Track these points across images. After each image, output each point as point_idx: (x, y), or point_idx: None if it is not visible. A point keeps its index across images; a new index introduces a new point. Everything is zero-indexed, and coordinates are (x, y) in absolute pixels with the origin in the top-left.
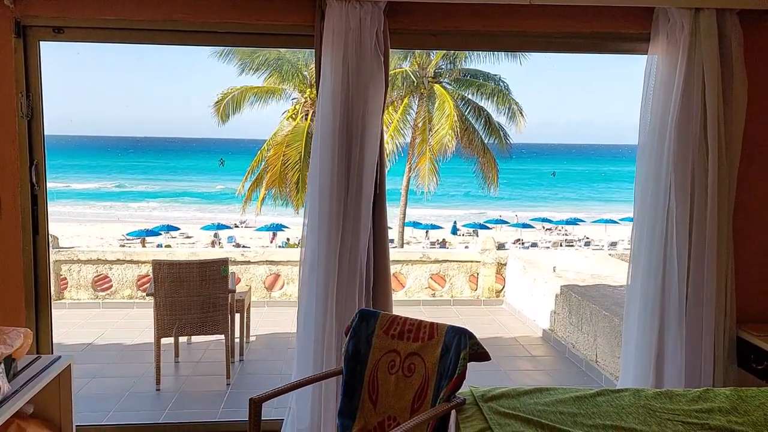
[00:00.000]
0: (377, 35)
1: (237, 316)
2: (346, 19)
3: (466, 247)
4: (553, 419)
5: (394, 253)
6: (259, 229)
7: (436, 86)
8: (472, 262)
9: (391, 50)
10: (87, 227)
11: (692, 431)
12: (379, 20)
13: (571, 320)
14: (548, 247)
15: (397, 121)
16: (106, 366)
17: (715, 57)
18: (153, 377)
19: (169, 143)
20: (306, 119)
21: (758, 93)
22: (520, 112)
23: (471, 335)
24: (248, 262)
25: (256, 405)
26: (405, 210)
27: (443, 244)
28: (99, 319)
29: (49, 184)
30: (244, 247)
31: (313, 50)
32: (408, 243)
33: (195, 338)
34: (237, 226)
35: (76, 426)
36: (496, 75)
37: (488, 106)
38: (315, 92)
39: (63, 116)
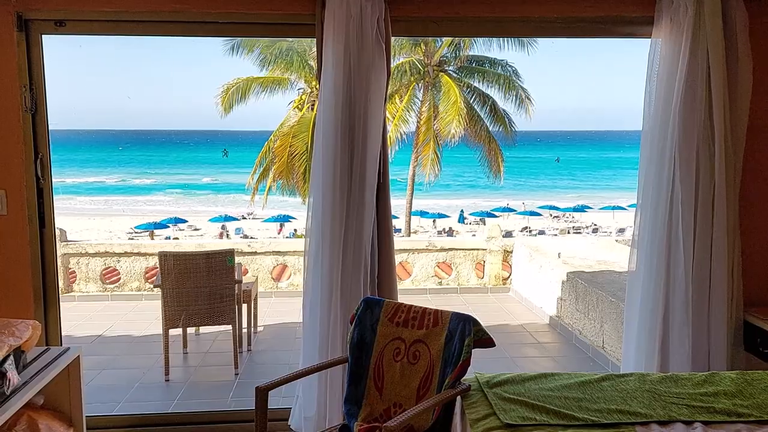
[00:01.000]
0: (378, 23)
1: (244, 306)
2: (346, 8)
3: (473, 235)
4: (558, 404)
5: (400, 242)
6: (266, 221)
7: (442, 75)
8: (478, 250)
9: (393, 38)
10: (95, 221)
11: (698, 414)
12: (380, 8)
13: (578, 307)
14: (555, 235)
15: (402, 110)
16: (115, 357)
17: (719, 40)
18: (162, 368)
19: (173, 135)
20: (312, 110)
21: (763, 76)
22: (528, 98)
23: (475, 321)
24: (255, 253)
25: (262, 393)
26: (411, 200)
27: (450, 232)
28: (108, 312)
29: (55, 179)
30: (251, 238)
31: (315, 39)
32: (415, 232)
33: (203, 329)
34: (245, 218)
35: (87, 417)
36: (502, 60)
37: (494, 93)
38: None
39: (66, 109)
